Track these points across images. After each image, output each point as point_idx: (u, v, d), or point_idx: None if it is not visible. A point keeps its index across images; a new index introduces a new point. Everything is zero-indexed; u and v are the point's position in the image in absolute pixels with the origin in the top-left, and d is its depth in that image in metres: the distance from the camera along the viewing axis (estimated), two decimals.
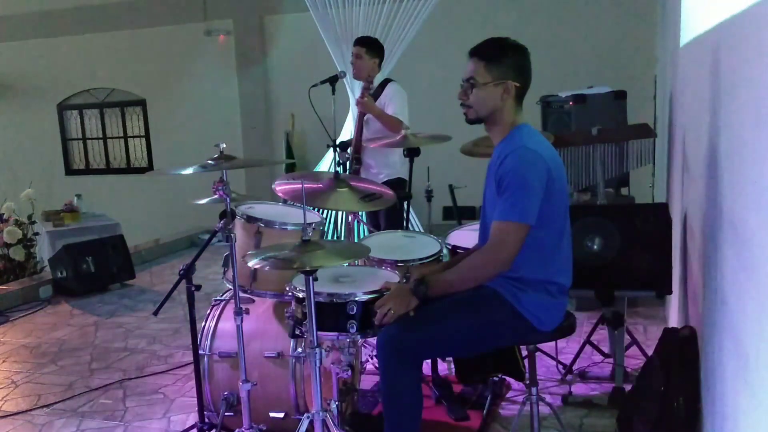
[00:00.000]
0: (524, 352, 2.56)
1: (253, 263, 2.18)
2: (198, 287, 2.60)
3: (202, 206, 2.96)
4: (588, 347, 3.45)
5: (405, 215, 3.80)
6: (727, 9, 1.80)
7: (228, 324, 2.85)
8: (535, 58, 2.33)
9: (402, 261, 2.75)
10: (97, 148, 10.10)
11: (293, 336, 2.46)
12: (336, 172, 2.93)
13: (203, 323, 2.92)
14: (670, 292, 3.05)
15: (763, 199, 1.30)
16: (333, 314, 2.31)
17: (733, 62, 1.74)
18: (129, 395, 3.55)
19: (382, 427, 2.25)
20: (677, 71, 3.55)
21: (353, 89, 5.91)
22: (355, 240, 4.30)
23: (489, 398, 3.05)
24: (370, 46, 4.41)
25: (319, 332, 2.24)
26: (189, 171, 2.57)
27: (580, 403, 3.11)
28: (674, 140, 3.67)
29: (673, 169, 3.77)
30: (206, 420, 2.77)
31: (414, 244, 3.02)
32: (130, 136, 9.86)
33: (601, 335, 3.62)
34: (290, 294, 2.44)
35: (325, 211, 4.86)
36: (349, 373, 2.40)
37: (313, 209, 3.06)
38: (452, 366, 3.26)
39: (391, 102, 4.25)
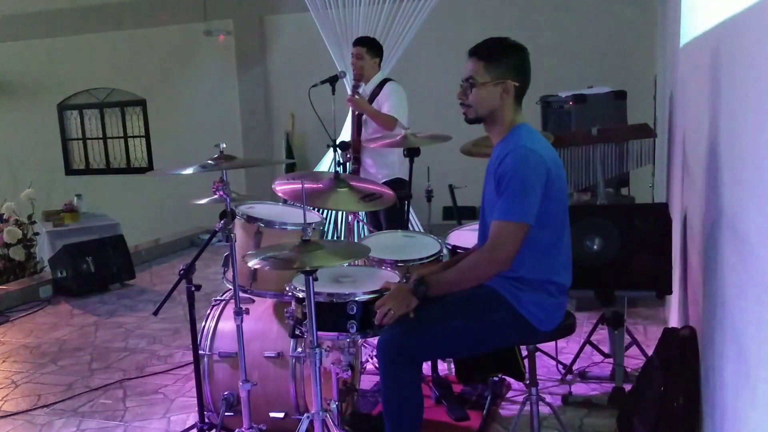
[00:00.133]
0: (524, 352, 2.56)
1: (253, 263, 2.19)
2: (198, 287, 2.60)
3: (202, 206, 2.96)
4: (588, 347, 3.45)
5: (405, 215, 3.80)
6: (727, 9, 1.80)
7: (228, 324, 2.85)
8: (535, 58, 2.33)
9: (402, 261, 2.75)
10: (97, 148, 10.10)
11: (293, 336, 2.46)
12: (336, 172, 2.93)
13: (203, 323, 2.92)
14: (670, 292, 3.05)
15: (763, 199, 1.30)
16: (333, 314, 2.30)
17: (733, 62, 1.74)
18: (129, 395, 3.55)
19: (382, 427, 2.25)
20: (677, 71, 3.55)
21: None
22: (355, 240, 4.30)
23: (489, 398, 3.05)
24: (371, 46, 4.42)
25: (319, 332, 2.24)
26: (189, 171, 2.57)
27: (580, 403, 3.11)
28: (674, 140, 3.67)
29: (673, 169, 3.77)
30: (206, 420, 2.77)
31: (414, 244, 3.02)
32: (130, 136, 9.86)
33: (601, 335, 3.62)
34: (290, 294, 2.44)
35: (325, 211, 4.86)
36: (349, 373, 2.40)
37: (313, 209, 3.06)
38: (452, 366, 3.26)
39: (387, 101, 4.26)
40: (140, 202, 9.21)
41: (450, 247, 2.94)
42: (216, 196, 2.57)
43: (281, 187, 2.78)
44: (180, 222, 8.11)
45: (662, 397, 2.26)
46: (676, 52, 3.61)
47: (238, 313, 2.58)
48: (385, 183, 4.03)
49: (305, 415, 2.36)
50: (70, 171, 10.19)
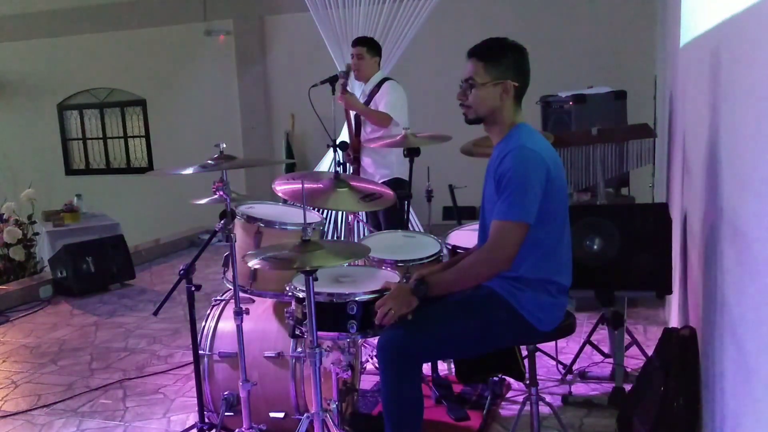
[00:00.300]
0: (524, 352, 2.56)
1: (253, 263, 2.19)
2: (198, 287, 2.60)
3: (202, 206, 2.96)
4: (588, 347, 3.45)
5: (405, 215, 3.80)
6: (727, 9, 1.80)
7: (228, 324, 2.85)
8: (534, 58, 2.34)
9: (402, 261, 2.75)
10: (97, 148, 10.10)
11: (293, 336, 2.46)
12: (336, 172, 2.93)
13: (203, 323, 2.92)
14: (670, 292, 3.05)
15: (763, 199, 1.30)
16: (333, 314, 2.30)
17: (733, 62, 1.74)
18: (129, 395, 3.55)
19: (382, 427, 2.24)
20: (677, 71, 3.55)
21: (353, 89, 5.91)
22: (355, 240, 4.30)
23: (489, 398, 3.05)
24: (371, 45, 4.42)
25: (319, 332, 2.24)
26: (189, 171, 2.57)
27: (580, 403, 3.11)
28: (674, 140, 3.67)
29: (673, 169, 3.77)
30: (206, 420, 2.77)
31: (414, 244, 3.02)
32: (130, 136, 9.86)
33: (601, 335, 3.62)
34: (290, 294, 2.44)
35: (325, 211, 4.86)
36: (349, 373, 2.40)
37: (313, 209, 3.06)
38: (452, 366, 3.26)
39: (382, 99, 4.26)
40: (140, 202, 9.21)
41: (450, 247, 2.93)
42: (216, 196, 2.57)
43: (281, 187, 2.78)
44: (180, 222, 8.11)
45: (662, 397, 2.26)
46: (676, 52, 3.61)
47: (238, 313, 2.58)
48: (383, 183, 4.03)
49: (305, 415, 2.36)
50: (70, 171, 10.19)
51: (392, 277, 2.55)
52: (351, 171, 4.48)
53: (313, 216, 3.01)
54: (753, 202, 1.40)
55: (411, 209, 3.99)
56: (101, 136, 10.03)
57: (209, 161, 2.59)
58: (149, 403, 3.44)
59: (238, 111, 8.74)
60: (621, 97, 4.65)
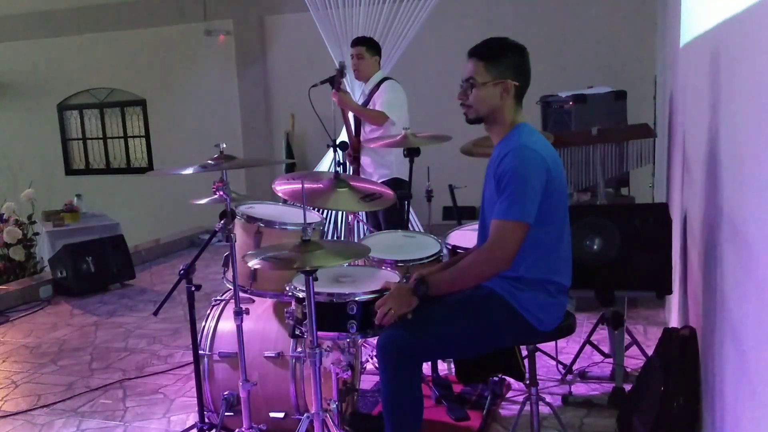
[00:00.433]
0: (524, 352, 2.56)
1: (253, 263, 2.19)
2: (198, 287, 2.60)
3: (202, 206, 2.96)
4: (588, 347, 3.45)
5: (405, 215, 3.80)
6: (727, 9, 1.80)
7: (228, 324, 2.85)
8: (535, 58, 2.34)
9: (402, 261, 2.75)
10: (97, 148, 10.10)
11: (293, 336, 2.45)
12: (336, 172, 2.93)
13: (203, 323, 2.92)
14: (670, 292, 3.05)
15: (763, 199, 1.30)
16: (333, 314, 2.30)
17: (733, 62, 1.74)
18: (129, 395, 3.55)
19: (382, 427, 2.24)
20: (677, 71, 3.55)
21: (353, 89, 5.91)
22: (355, 240, 4.30)
23: (489, 398, 3.05)
24: (370, 45, 4.42)
25: (319, 332, 2.24)
26: (189, 171, 2.57)
27: (580, 403, 3.11)
28: (674, 140, 3.67)
29: (673, 169, 3.77)
30: (206, 420, 2.77)
31: (414, 244, 3.02)
32: (130, 136, 9.85)
33: (601, 335, 3.62)
34: (290, 294, 2.44)
35: (325, 211, 4.86)
36: (349, 373, 2.40)
37: (313, 209, 3.06)
38: (452, 366, 3.26)
39: (379, 98, 4.26)
40: (140, 202, 9.21)
41: (450, 247, 2.93)
42: (216, 196, 2.57)
43: (281, 187, 2.78)
44: (180, 222, 8.11)
45: (662, 397, 2.26)
46: (676, 52, 3.61)
47: (238, 313, 2.58)
48: (382, 183, 4.03)
49: (305, 415, 2.36)
50: (70, 171, 10.18)
51: (392, 277, 2.55)
52: (351, 171, 4.48)
53: (313, 216, 3.01)
54: (753, 202, 1.40)
55: (411, 209, 3.99)
56: (101, 136, 10.03)
57: (209, 161, 2.59)
58: (149, 403, 3.44)
59: (238, 111, 8.74)
60: (621, 97, 4.65)
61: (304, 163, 8.16)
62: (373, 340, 2.85)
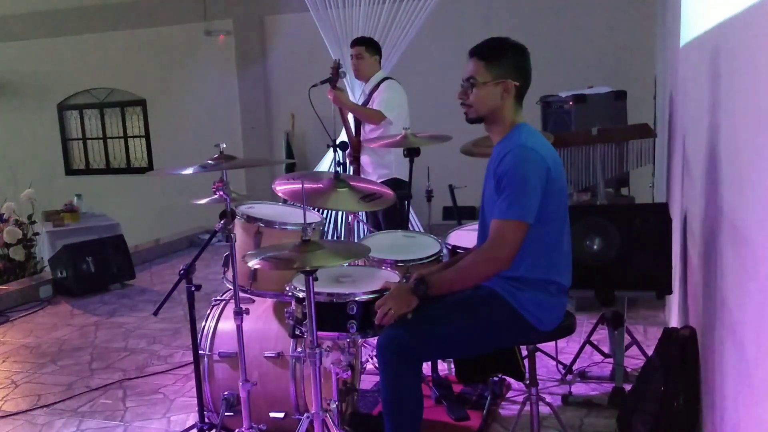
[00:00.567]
0: (524, 352, 2.56)
1: (253, 263, 2.18)
2: (198, 287, 2.60)
3: (202, 206, 2.96)
4: (588, 347, 3.45)
5: (405, 215, 3.80)
6: (727, 9, 1.80)
7: (228, 324, 2.85)
8: (535, 58, 2.33)
9: (402, 261, 2.75)
10: (97, 148, 10.10)
11: (293, 336, 2.46)
12: (336, 172, 2.93)
13: (203, 323, 2.92)
14: (670, 292, 3.05)
15: (763, 199, 1.30)
16: (333, 314, 2.30)
17: (732, 62, 1.74)
18: (129, 395, 3.55)
19: (382, 427, 2.24)
20: (677, 71, 3.55)
21: (353, 89, 5.92)
22: (355, 240, 4.30)
23: (489, 398, 3.05)
24: (369, 44, 4.42)
25: (319, 332, 2.24)
26: (189, 171, 2.57)
27: (580, 403, 3.11)
28: (674, 140, 3.67)
29: (673, 169, 3.77)
30: (206, 420, 2.77)
31: (414, 244, 3.02)
32: (130, 136, 9.86)
33: (601, 335, 3.62)
34: (290, 294, 2.44)
35: (325, 211, 4.86)
36: (349, 373, 2.39)
37: (313, 209, 3.06)
38: (452, 366, 3.26)
39: (378, 97, 4.26)
40: (140, 202, 9.21)
41: (450, 247, 2.93)
42: (216, 196, 2.57)
43: (281, 187, 2.78)
44: (180, 222, 8.12)
45: (662, 397, 2.26)
46: (676, 52, 3.61)
47: (238, 313, 2.58)
48: (382, 183, 4.03)
49: (305, 415, 2.36)
50: (70, 171, 10.19)
51: (392, 277, 2.55)
52: (351, 171, 4.48)
53: (313, 216, 3.01)
54: (753, 202, 1.40)
55: (411, 209, 3.99)
56: (101, 136, 10.03)
57: (209, 161, 2.59)
58: (149, 403, 3.44)
59: (238, 111, 8.74)
60: (621, 97, 4.65)
61: (304, 163, 8.16)
62: (373, 340, 2.85)
